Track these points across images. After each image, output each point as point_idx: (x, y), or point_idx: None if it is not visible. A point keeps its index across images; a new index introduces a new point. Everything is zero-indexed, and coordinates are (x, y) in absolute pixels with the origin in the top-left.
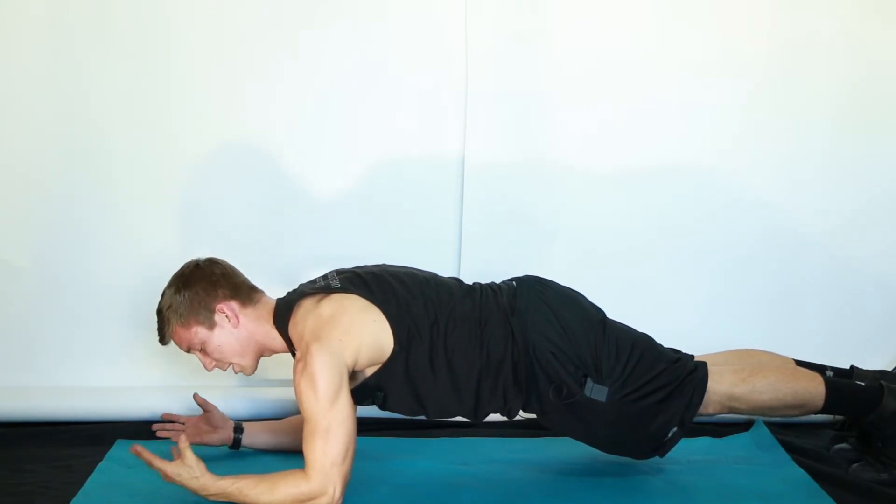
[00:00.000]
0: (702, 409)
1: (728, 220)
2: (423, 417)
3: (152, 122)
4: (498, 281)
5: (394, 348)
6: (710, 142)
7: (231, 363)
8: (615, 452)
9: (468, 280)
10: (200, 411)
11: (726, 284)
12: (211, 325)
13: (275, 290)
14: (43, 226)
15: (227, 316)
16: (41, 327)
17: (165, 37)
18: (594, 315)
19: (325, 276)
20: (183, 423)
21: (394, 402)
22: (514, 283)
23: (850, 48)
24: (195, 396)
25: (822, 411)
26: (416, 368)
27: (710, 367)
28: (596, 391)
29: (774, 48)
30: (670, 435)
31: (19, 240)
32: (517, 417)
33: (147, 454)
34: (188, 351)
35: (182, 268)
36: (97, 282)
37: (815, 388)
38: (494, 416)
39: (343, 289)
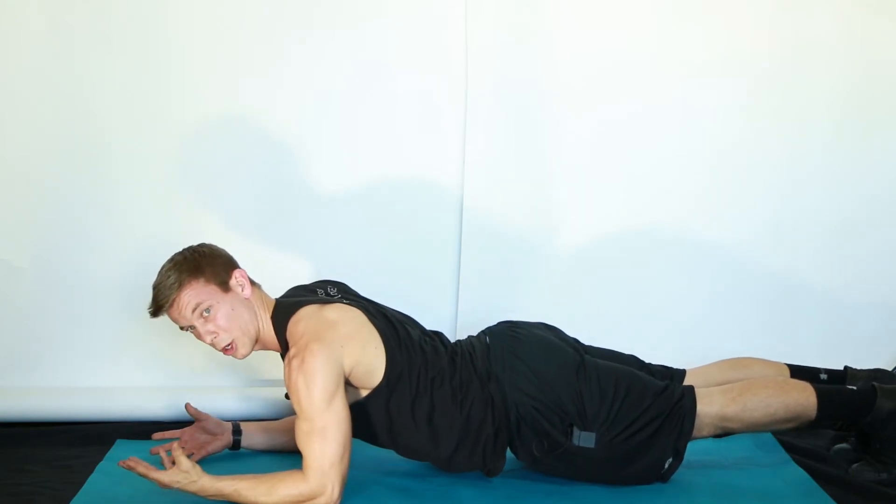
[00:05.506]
0: (695, 433)
1: (727, 222)
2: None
3: (152, 122)
4: (492, 286)
5: (381, 381)
6: (710, 143)
7: (231, 338)
8: (615, 485)
9: (466, 281)
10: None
11: (726, 285)
12: (226, 288)
13: (273, 291)
14: (43, 226)
15: (241, 285)
16: (41, 327)
17: (165, 38)
18: (571, 358)
19: (327, 292)
20: (178, 438)
21: (365, 435)
22: (486, 338)
23: (849, 48)
24: (187, 407)
25: (817, 421)
26: (396, 410)
27: (698, 390)
28: (584, 438)
29: (774, 49)
30: (667, 466)
31: (19, 240)
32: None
33: (141, 468)
34: (189, 317)
35: (186, 247)
36: (97, 282)
37: (805, 400)
38: None
39: (349, 304)
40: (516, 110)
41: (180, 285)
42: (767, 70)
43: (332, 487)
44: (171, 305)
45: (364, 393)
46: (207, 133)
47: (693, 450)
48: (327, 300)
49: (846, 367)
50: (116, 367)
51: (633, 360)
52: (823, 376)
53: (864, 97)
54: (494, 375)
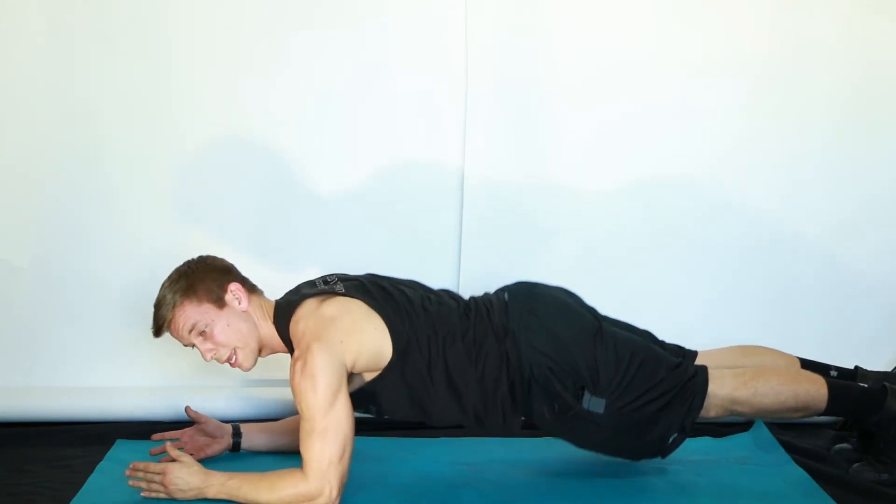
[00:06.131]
0: (703, 413)
1: (728, 222)
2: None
3: (152, 122)
4: (493, 288)
5: (392, 357)
6: (710, 143)
7: (233, 351)
8: (615, 456)
9: (466, 283)
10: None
11: (726, 285)
12: (221, 304)
13: (273, 292)
14: (43, 226)
15: (237, 298)
16: (41, 327)
17: (165, 37)
18: (589, 323)
19: (325, 280)
20: (178, 439)
21: (393, 409)
22: (505, 295)
23: (849, 48)
24: (187, 410)
25: (825, 413)
26: (413, 378)
27: (711, 371)
28: (594, 403)
29: (774, 49)
30: (671, 441)
31: (19, 240)
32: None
33: (141, 468)
34: (188, 337)
35: (184, 262)
36: (97, 282)
37: (816, 391)
38: None
39: (347, 294)
40: (516, 110)
41: (174, 306)
42: (767, 70)
43: (331, 488)
44: (169, 326)
45: (378, 373)
46: (207, 133)
47: (693, 450)
48: (324, 291)
49: (857, 367)
50: (116, 367)
51: (648, 335)
52: (833, 373)
53: (864, 97)
54: (511, 332)
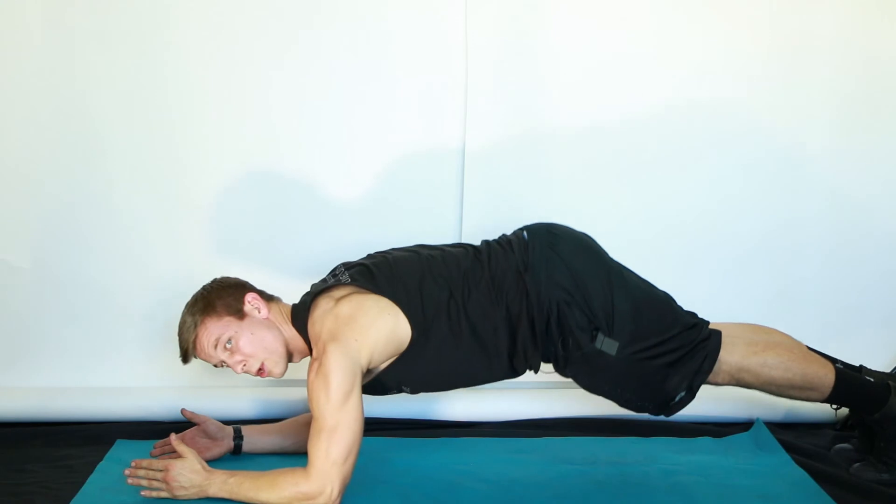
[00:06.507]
0: (711, 378)
1: (727, 221)
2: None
3: (152, 122)
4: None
5: (412, 336)
6: (709, 140)
7: (262, 360)
8: (621, 405)
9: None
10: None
11: (725, 284)
12: (241, 316)
13: (273, 289)
14: (43, 226)
15: (256, 308)
16: (41, 327)
17: (165, 36)
18: (609, 264)
19: (333, 273)
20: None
21: (426, 382)
22: (524, 234)
23: (849, 48)
24: (183, 412)
25: (827, 400)
26: (439, 346)
27: (724, 337)
28: (607, 344)
29: (774, 49)
30: (677, 399)
31: (19, 240)
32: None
33: (144, 465)
34: (215, 354)
35: (199, 288)
36: (97, 282)
37: (825, 375)
38: (499, 412)
39: (354, 282)
40: (516, 108)
41: (196, 326)
42: (767, 68)
43: (332, 488)
44: (195, 347)
45: (403, 354)
46: (207, 133)
47: (693, 449)
48: (331, 285)
49: (861, 367)
50: (116, 367)
51: (668, 296)
52: (839, 366)
53: (864, 97)
54: (531, 267)
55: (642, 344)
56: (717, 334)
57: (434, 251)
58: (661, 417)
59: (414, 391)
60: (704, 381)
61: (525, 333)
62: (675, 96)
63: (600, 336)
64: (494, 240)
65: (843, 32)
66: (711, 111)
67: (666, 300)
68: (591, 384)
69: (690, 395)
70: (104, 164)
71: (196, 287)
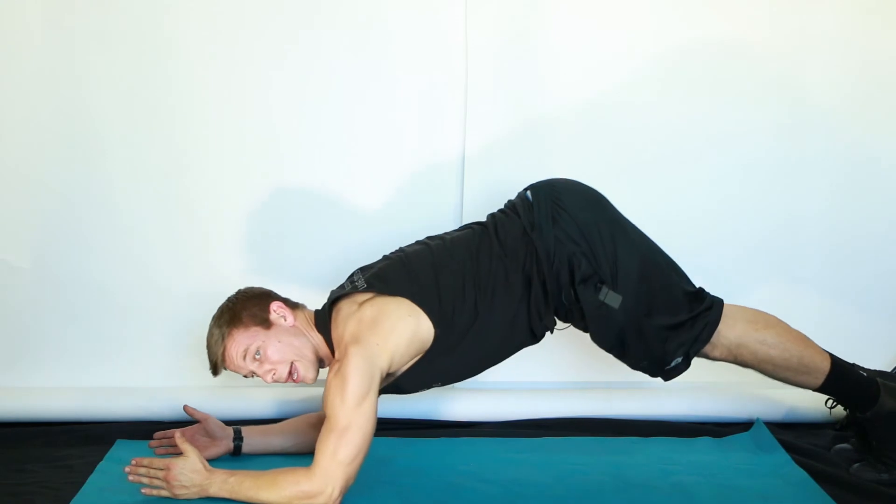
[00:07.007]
0: (708, 350)
1: (726, 221)
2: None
3: (152, 122)
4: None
5: (435, 333)
6: (709, 139)
7: (292, 366)
8: (621, 358)
9: None
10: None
11: (725, 284)
12: (268, 325)
13: (273, 288)
14: (43, 226)
15: (282, 316)
16: (41, 327)
17: (164, 36)
18: (614, 215)
19: (351, 279)
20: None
21: (457, 372)
22: (528, 194)
23: (850, 48)
24: (185, 408)
25: (822, 388)
26: (463, 336)
27: (725, 310)
28: (611, 297)
29: (774, 48)
30: (673, 364)
31: (19, 240)
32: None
33: (145, 464)
34: (245, 365)
35: (224, 300)
36: (97, 282)
37: (821, 362)
38: (499, 412)
39: (371, 287)
40: (516, 108)
41: (224, 338)
42: (767, 67)
43: (333, 488)
44: (224, 359)
45: (428, 351)
46: (207, 133)
47: (693, 449)
48: (348, 292)
49: (854, 365)
50: (116, 367)
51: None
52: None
53: (863, 97)
54: (537, 226)
55: (644, 304)
56: (718, 305)
57: (443, 240)
58: (661, 416)
59: (445, 383)
60: (701, 350)
61: (537, 291)
62: (674, 96)
63: (604, 289)
64: (499, 209)
65: (843, 32)
66: (711, 111)
67: (671, 263)
68: (597, 333)
69: (686, 363)
70: (104, 164)
71: (195, 287)
